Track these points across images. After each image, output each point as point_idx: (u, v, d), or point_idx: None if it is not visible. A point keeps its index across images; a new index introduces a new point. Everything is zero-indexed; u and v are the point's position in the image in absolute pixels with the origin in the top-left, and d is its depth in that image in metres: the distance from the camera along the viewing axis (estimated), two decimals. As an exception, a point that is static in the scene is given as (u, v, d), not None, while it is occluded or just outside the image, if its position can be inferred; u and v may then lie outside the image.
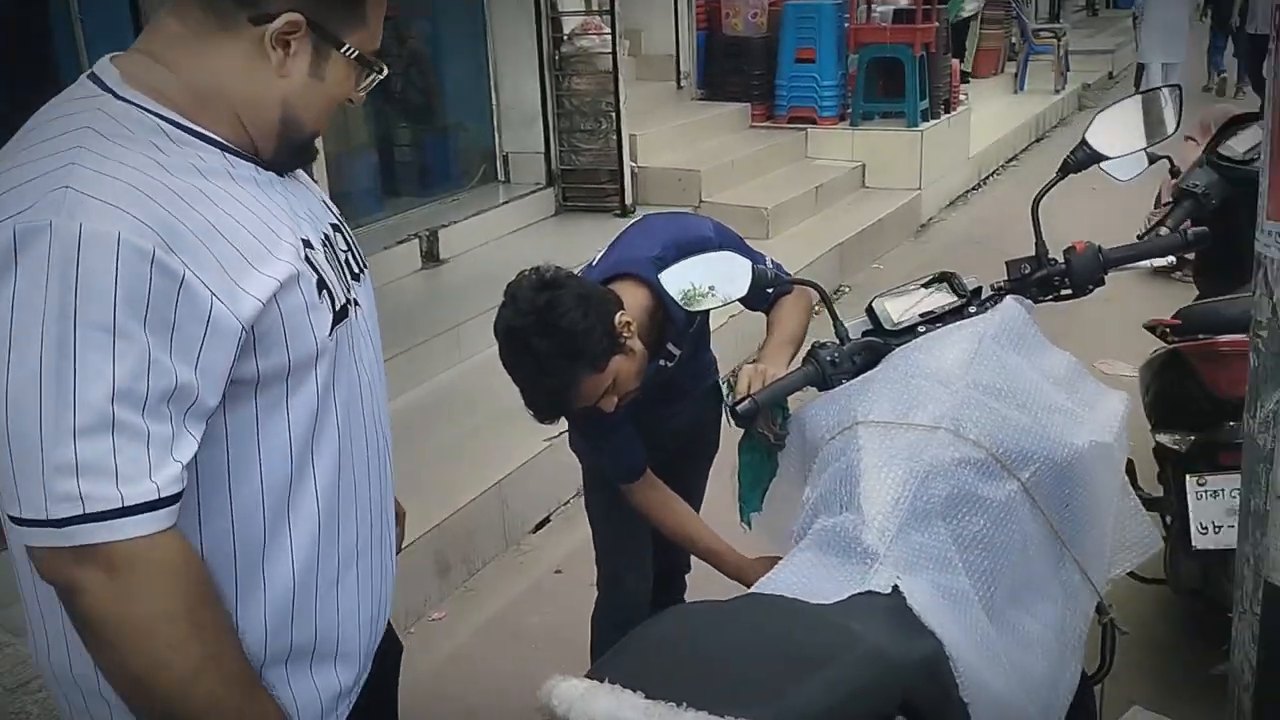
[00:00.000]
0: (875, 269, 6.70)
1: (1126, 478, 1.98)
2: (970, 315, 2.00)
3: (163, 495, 1.03)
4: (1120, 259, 2.01)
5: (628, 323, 1.98)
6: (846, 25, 8.03)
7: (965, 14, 10.44)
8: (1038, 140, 10.75)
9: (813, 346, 1.99)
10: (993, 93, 11.41)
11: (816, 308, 2.23)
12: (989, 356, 1.83)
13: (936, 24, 7.98)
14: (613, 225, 6.63)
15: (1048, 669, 1.74)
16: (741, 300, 2.06)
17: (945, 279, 2.10)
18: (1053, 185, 2.01)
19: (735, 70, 8.14)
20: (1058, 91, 11.88)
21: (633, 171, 6.77)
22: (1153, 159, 2.33)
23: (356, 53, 1.21)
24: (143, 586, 1.02)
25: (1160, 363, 2.69)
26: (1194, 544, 2.55)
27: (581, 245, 6.04)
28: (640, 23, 7.99)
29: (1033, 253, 2.04)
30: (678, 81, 8.09)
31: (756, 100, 8.07)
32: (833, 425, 1.83)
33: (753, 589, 1.62)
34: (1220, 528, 2.56)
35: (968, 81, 9.99)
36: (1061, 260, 2.02)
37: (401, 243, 5.58)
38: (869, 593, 1.55)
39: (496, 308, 1.98)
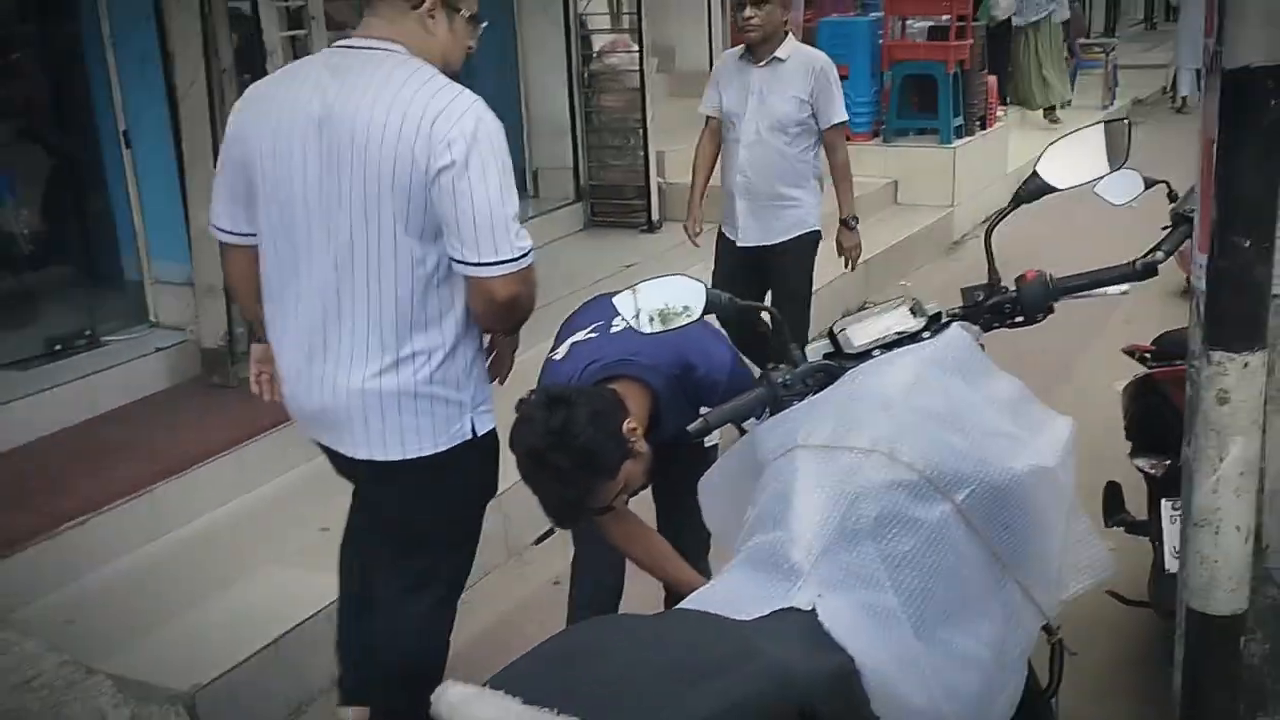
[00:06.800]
0: (903, 285, 6.70)
1: (1077, 501, 2.01)
2: (923, 340, 2.04)
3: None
4: (1070, 288, 2.04)
5: (634, 428, 2.12)
6: (880, 41, 8.05)
7: (999, 16, 10.33)
8: (1082, 156, 10.63)
9: (765, 369, 2.04)
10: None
11: None
12: (930, 381, 1.87)
13: (971, 41, 7.96)
14: (639, 241, 6.69)
15: (982, 685, 1.77)
16: None
17: (908, 302, 2.14)
18: (1004, 215, 2.05)
19: (769, 86, 8.16)
20: (1105, 107, 11.76)
21: (660, 187, 6.84)
22: (1150, 183, 2.33)
23: (469, 14, 2.27)
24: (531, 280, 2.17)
25: (1136, 388, 2.70)
26: (1166, 568, 2.56)
27: (609, 259, 6.10)
28: (673, 39, 8.05)
29: (1028, 274, 2.06)
30: (711, 98, 8.12)
31: (790, 116, 8.08)
32: (776, 447, 1.88)
33: (681, 604, 1.68)
34: (1193, 552, 2.56)
35: (1006, 101, 9.94)
36: (1013, 288, 2.06)
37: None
38: (791, 609, 1.60)
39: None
